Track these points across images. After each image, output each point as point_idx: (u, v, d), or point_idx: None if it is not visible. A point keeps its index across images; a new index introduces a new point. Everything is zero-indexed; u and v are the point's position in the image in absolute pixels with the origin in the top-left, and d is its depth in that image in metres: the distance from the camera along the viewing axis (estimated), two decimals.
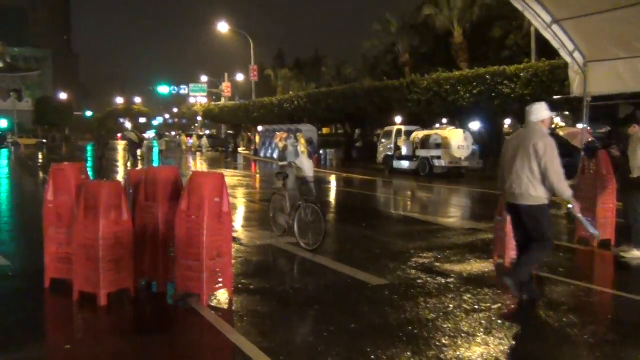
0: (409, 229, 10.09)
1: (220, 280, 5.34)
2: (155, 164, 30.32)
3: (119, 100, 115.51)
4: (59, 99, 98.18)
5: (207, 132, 62.69)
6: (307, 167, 7.94)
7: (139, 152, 28.54)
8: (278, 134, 34.42)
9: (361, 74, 45.76)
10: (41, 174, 22.16)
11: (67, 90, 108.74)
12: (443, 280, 6.22)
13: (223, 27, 48.19)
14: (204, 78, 71.67)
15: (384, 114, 31.77)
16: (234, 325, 4.75)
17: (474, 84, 24.26)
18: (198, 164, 32.00)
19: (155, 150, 37.78)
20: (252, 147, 46.23)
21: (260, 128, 41.07)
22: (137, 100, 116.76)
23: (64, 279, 5.62)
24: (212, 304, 5.27)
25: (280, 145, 34.03)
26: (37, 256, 5.96)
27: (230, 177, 21.57)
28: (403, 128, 26.83)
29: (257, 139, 45.35)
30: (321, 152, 34.77)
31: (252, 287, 5.89)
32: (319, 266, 6.91)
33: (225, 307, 5.32)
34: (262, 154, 40.67)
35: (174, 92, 70.37)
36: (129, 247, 5.39)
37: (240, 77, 66.60)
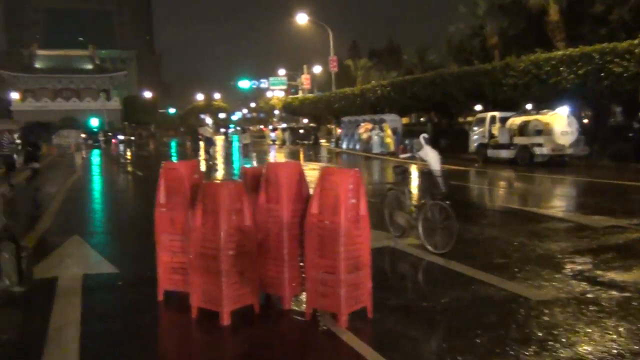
0: (538, 227, 8.86)
1: (359, 296, 4.51)
2: (238, 159, 30.27)
3: (200, 96, 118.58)
4: (144, 97, 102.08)
5: (284, 125, 62.83)
6: (433, 159, 6.96)
7: (199, 146, 28.39)
8: (362, 124, 33.66)
9: (445, 60, 43.92)
10: (139, 172, 22.38)
11: (151, 89, 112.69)
12: (619, 294, 5.09)
13: (302, 19, 47.68)
14: (282, 71, 71.77)
15: (474, 100, 30.04)
16: (381, 352, 3.90)
17: (579, 63, 22.21)
18: (284, 157, 31.64)
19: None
20: (333, 139, 45.58)
21: (344, 119, 40.29)
22: (217, 96, 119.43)
23: (179, 292, 5.00)
24: (350, 324, 4.44)
25: (365, 136, 33.16)
26: (147, 264, 5.40)
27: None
28: (497, 114, 25.06)
29: (337, 130, 44.62)
30: (406, 141, 33.50)
31: (390, 302, 5.01)
32: (456, 274, 5.95)
33: (366, 327, 4.49)
34: (344, 146, 39.89)
35: (254, 86, 70.77)
36: (253, 257, 4.67)
37: (317, 69, 66.16)
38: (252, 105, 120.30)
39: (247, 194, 4.71)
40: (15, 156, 17.54)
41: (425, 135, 7.34)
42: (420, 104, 35.60)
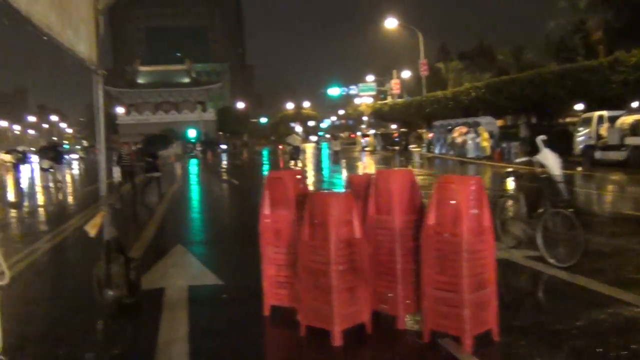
0: None
1: (484, 317, 4.05)
2: (328, 167, 30.21)
3: (290, 105, 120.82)
4: (237, 108, 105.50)
5: (372, 131, 62.34)
6: (554, 163, 6.30)
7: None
8: (457, 128, 32.56)
9: (543, 58, 41.68)
10: (235, 181, 22.83)
11: (243, 100, 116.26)
12: None
13: (391, 23, 47.14)
14: (370, 77, 71.43)
15: (576, 99, 28.13)
16: None
17: None
18: (376, 164, 31.21)
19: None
20: (424, 144, 44.60)
21: (436, 123, 39.28)
22: (306, 104, 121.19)
23: (285, 307, 4.77)
24: (475, 348, 3.98)
25: (459, 140, 32.04)
26: (251, 276, 5.23)
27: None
28: (605, 113, 23.25)
29: (426, 135, 43.57)
30: (503, 145, 31.98)
31: (515, 323, 4.49)
32: (585, 291, 5.30)
33: (493, 352, 4.02)
34: (436, 151, 38.85)
35: (343, 93, 70.95)
36: (365, 273, 4.34)
37: (406, 74, 65.22)
38: (341, 112, 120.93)
39: (357, 205, 4.40)
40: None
41: (543, 137, 6.69)
42: (516, 105, 33.92)
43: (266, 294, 4.89)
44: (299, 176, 4.93)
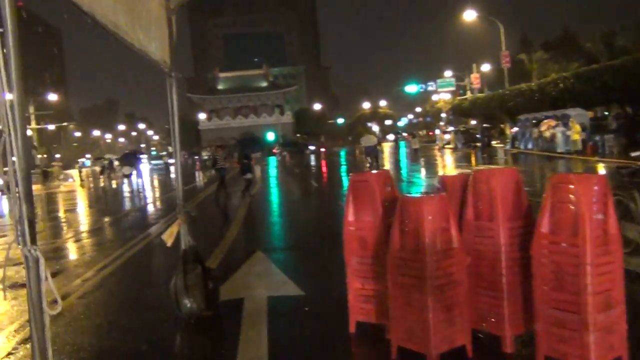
0: None
1: (611, 342, 3.41)
2: (406, 165, 29.41)
3: (366, 105, 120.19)
4: (313, 109, 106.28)
5: (452, 128, 60.47)
6: None
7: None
8: (545, 122, 30.74)
9: (637, 43, 38.70)
10: (314, 183, 22.64)
11: (319, 101, 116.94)
12: None
13: (469, 15, 45.52)
14: (448, 73, 69.44)
15: None
16: None
17: None
18: (456, 161, 30.06)
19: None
20: (508, 140, 42.66)
21: (521, 117, 37.41)
22: (382, 103, 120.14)
23: (372, 324, 4.32)
24: None
25: (548, 134, 30.11)
26: (334, 287, 4.84)
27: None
28: None
29: (508, 130, 41.63)
30: (596, 138, 29.85)
31: None
32: None
33: None
34: (521, 146, 36.98)
35: (421, 90, 69.27)
36: (464, 288, 3.81)
37: (485, 68, 62.85)
38: (418, 110, 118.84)
39: (453, 210, 3.87)
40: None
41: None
42: (610, 95, 31.61)
43: (352, 308, 4.45)
44: (386, 178, 4.45)
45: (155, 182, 33.57)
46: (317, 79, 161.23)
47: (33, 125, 64.89)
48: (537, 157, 28.11)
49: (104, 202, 22.09)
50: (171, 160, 70.29)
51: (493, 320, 3.94)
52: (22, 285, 7.09)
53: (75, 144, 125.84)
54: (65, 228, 14.58)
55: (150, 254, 9.42)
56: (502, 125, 48.94)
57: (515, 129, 40.45)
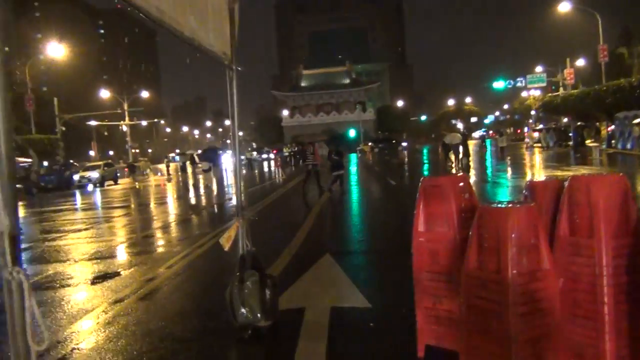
0: None
1: None
2: (492, 165, 27.99)
3: (450, 102, 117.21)
4: (396, 107, 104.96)
5: (542, 125, 57.29)
6: None
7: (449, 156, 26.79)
8: None
9: None
10: (392, 181, 22.03)
11: (403, 98, 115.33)
12: None
13: (565, 7, 42.89)
14: (539, 68, 66.00)
15: None
16: None
17: None
18: (545, 161, 28.28)
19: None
20: (604, 139, 39.84)
21: (619, 115, 34.77)
22: (468, 100, 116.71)
23: (444, 349, 3.78)
24: None
25: None
26: (405, 301, 4.31)
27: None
28: None
29: (605, 129, 38.79)
30: None
31: None
32: None
33: None
34: (619, 146, 34.35)
35: (509, 86, 66.20)
36: (554, 318, 3.19)
37: (579, 62, 59.18)
38: (505, 107, 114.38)
39: (544, 224, 3.26)
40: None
41: None
42: None
43: (421, 330, 3.93)
44: (463, 183, 3.88)
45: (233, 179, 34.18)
46: (401, 76, 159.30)
47: (127, 121, 68.34)
48: (638, 158, 25.88)
49: (180, 197, 22.56)
50: (262, 156, 72.05)
51: (591, 355, 3.29)
52: None
53: (165, 140, 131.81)
54: (133, 224, 14.90)
55: (218, 256, 9.26)
56: (597, 124, 45.81)
57: (612, 127, 37.71)
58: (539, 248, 3.16)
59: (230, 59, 4.86)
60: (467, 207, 3.71)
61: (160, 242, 10.82)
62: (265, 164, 60.30)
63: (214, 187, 21.22)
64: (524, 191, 3.88)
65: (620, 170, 21.03)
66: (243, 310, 4.62)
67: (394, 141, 70.82)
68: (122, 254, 9.75)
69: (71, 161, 46.69)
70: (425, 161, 38.88)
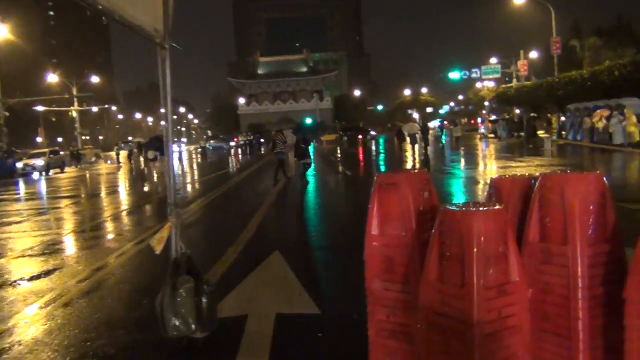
0: None
1: None
2: (448, 154, 28.05)
3: (407, 92, 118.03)
4: (353, 96, 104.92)
5: (495, 116, 58.17)
6: None
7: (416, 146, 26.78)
8: (597, 112, 28.94)
9: None
10: (347, 172, 21.68)
11: (360, 88, 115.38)
12: None
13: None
14: (493, 60, 66.91)
15: None
16: None
17: None
18: (498, 152, 28.51)
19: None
20: (554, 130, 40.68)
21: (570, 107, 35.47)
22: (424, 90, 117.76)
23: None
24: None
25: (600, 125, 28.32)
26: (360, 305, 3.86)
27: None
28: None
29: (554, 120, 39.59)
30: None
31: None
32: None
33: None
34: (570, 137, 35.09)
35: (464, 76, 66.88)
36: (524, 335, 2.80)
37: (533, 54, 60.23)
38: (460, 97, 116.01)
39: (513, 230, 2.86)
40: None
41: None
42: None
43: (372, 345, 3.48)
44: (423, 181, 3.43)
45: (181, 168, 33.26)
46: (358, 65, 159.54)
47: (75, 107, 65.80)
48: (588, 150, 26.35)
49: (125, 187, 21.62)
50: (221, 144, 70.65)
51: None
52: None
53: (117, 126, 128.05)
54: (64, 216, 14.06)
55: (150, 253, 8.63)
56: (549, 115, 46.74)
57: (563, 118, 38.49)
58: (507, 257, 2.75)
59: (162, 35, 4.28)
60: (426, 207, 3.28)
61: (95, 239, 10.04)
62: (222, 152, 59.02)
63: (155, 177, 20.29)
64: (488, 189, 3.47)
65: (570, 160, 21.29)
66: (175, 321, 4.08)
67: (365, 130, 70.48)
68: (54, 251, 8.98)
69: (13, 148, 44.53)
70: (382, 151, 38.78)
